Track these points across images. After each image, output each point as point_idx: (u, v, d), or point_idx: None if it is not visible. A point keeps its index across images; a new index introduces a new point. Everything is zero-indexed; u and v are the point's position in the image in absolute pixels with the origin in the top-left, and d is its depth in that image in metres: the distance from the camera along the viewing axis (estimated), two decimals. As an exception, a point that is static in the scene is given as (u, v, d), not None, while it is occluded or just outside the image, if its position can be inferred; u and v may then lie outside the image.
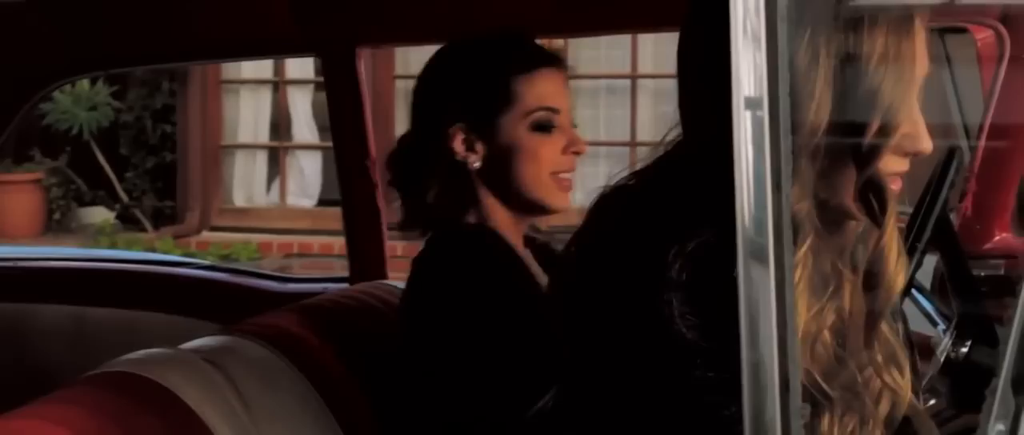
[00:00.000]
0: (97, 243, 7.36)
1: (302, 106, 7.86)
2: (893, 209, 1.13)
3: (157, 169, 7.94)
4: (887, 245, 1.14)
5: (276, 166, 7.95)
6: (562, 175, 1.78)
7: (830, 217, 1.10)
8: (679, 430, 1.11)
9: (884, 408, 1.17)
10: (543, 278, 1.80)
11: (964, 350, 1.75)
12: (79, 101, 7.62)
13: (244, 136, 7.98)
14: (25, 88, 2.66)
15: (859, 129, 1.08)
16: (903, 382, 1.18)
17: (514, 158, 1.76)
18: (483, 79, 1.77)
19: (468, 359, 1.65)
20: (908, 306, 1.78)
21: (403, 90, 7.40)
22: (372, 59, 6.27)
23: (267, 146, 7.96)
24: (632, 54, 7.26)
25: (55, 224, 7.90)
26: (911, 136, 1.13)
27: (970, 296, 1.82)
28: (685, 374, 1.08)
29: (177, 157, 7.90)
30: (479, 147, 1.77)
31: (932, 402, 1.73)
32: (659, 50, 6.91)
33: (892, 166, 1.14)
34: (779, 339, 0.72)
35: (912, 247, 1.73)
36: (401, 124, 7.33)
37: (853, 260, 1.13)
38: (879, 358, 1.16)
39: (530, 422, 1.33)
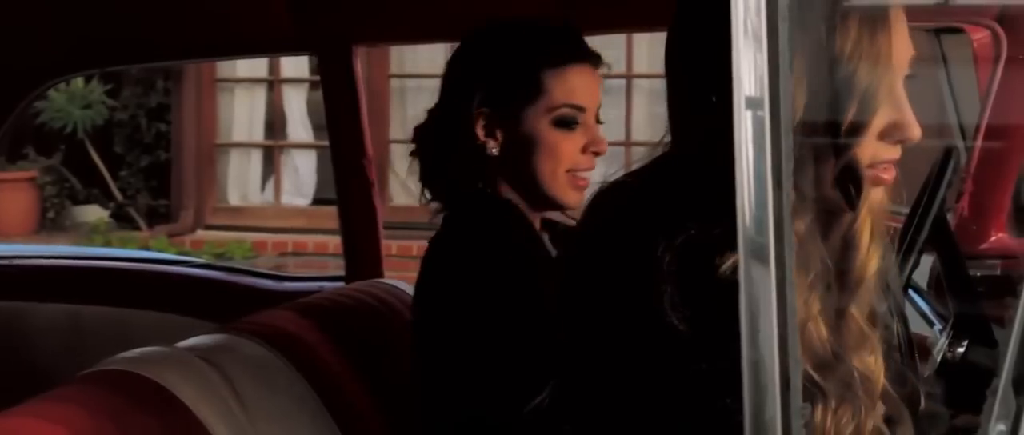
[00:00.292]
0: (91, 242, 7.34)
1: (297, 105, 7.85)
2: (867, 195, 1.14)
3: (151, 167, 7.92)
4: (859, 229, 1.16)
5: (271, 165, 7.93)
6: (579, 173, 1.77)
7: (811, 205, 1.11)
8: (674, 422, 1.12)
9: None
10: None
11: (961, 350, 1.75)
12: (73, 99, 7.60)
13: (239, 135, 7.97)
14: (19, 86, 2.66)
15: (835, 117, 1.09)
16: (875, 367, 1.19)
17: (533, 151, 1.74)
18: (513, 68, 1.75)
19: (488, 333, 1.61)
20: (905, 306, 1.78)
21: (399, 89, 7.40)
22: (368, 58, 6.27)
23: (262, 145, 7.95)
24: (627, 54, 7.26)
25: (49, 222, 7.88)
26: (898, 124, 1.14)
27: (967, 296, 1.82)
28: (679, 365, 1.10)
29: (171, 155, 7.89)
30: (500, 134, 1.76)
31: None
32: (654, 50, 6.91)
33: (882, 154, 1.15)
34: (780, 338, 0.72)
35: (909, 247, 1.73)
36: (397, 123, 7.34)
37: (830, 247, 1.14)
38: (850, 342, 1.17)
39: (527, 417, 1.34)
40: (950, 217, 2.27)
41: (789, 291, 0.72)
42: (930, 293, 1.99)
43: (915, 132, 1.15)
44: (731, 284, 1.03)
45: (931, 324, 1.92)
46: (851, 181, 1.13)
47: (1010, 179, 2.54)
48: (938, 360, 1.76)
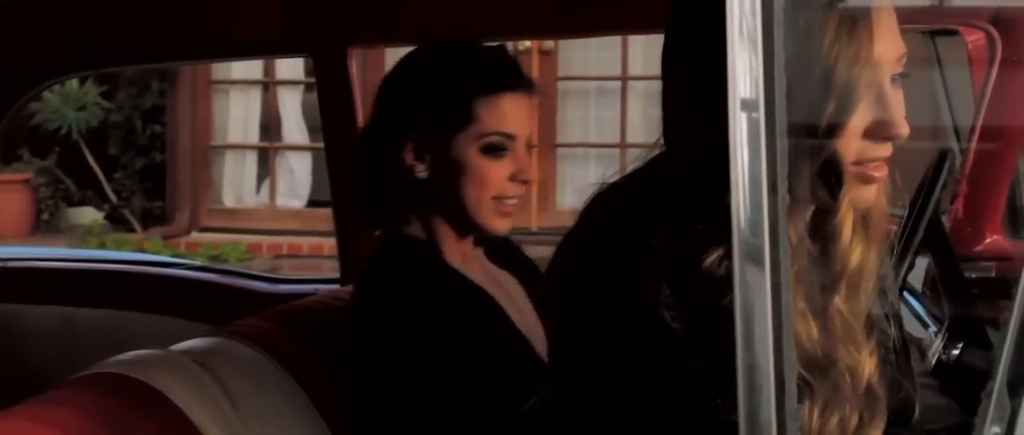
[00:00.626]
0: (86, 243, 7.33)
1: (292, 107, 7.84)
2: (848, 190, 1.14)
3: (146, 169, 7.91)
4: (841, 223, 1.15)
5: (266, 167, 7.93)
6: (506, 201, 1.76)
7: (795, 203, 1.11)
8: (667, 421, 1.13)
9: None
10: (499, 284, 1.82)
11: (956, 352, 1.75)
12: (68, 101, 7.59)
13: (234, 137, 7.96)
14: (14, 88, 2.65)
15: (815, 113, 1.09)
16: (861, 360, 1.19)
17: (460, 176, 1.74)
18: (444, 94, 1.75)
19: (404, 376, 1.65)
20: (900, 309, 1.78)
21: (393, 90, 7.37)
22: (363, 59, 6.26)
23: (257, 147, 7.95)
24: (622, 56, 7.27)
25: (44, 224, 7.87)
26: (882, 121, 1.14)
27: (962, 299, 1.82)
28: (672, 365, 1.10)
29: (166, 157, 7.88)
30: (428, 159, 1.76)
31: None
32: (649, 52, 6.92)
33: (869, 152, 1.15)
34: (775, 340, 0.72)
35: (904, 249, 1.73)
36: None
37: (814, 242, 1.15)
38: (835, 336, 1.17)
39: (521, 419, 1.34)
40: (945, 219, 2.27)
41: (784, 294, 0.72)
42: (925, 295, 1.99)
43: (901, 130, 1.15)
44: (721, 281, 1.04)
45: (926, 326, 1.92)
46: (833, 175, 1.13)
47: (1005, 181, 2.54)
48: (933, 362, 1.76)
